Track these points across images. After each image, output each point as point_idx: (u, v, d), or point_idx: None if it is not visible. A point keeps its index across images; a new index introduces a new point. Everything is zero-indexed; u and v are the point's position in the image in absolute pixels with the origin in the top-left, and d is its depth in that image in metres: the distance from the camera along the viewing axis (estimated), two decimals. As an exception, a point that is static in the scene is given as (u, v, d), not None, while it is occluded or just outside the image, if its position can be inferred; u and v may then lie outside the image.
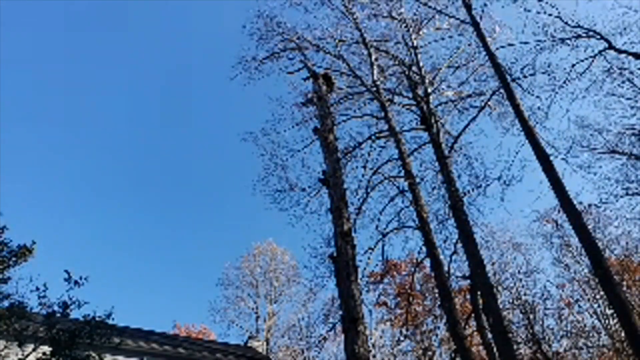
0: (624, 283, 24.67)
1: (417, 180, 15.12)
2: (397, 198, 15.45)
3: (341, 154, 15.25)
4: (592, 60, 15.65)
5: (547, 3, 15.58)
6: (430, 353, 27.42)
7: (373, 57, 17.05)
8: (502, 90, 14.23)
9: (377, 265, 18.04)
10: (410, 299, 23.76)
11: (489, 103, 16.47)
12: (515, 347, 16.51)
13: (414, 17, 18.01)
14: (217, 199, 58.90)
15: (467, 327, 16.74)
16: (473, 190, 14.90)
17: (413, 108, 17.27)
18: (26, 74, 48.55)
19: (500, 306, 14.19)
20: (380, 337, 30.10)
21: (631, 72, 17.39)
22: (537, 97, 14.82)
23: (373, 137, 16.87)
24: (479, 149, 30.64)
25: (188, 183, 59.46)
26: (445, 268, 13.29)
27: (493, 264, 27.76)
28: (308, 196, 15.64)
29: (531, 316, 26.08)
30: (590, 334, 26.81)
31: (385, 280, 28.17)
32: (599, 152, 19.59)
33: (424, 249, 13.79)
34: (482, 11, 14.94)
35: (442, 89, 17.74)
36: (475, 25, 14.53)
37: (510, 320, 25.85)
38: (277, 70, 17.31)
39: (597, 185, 23.15)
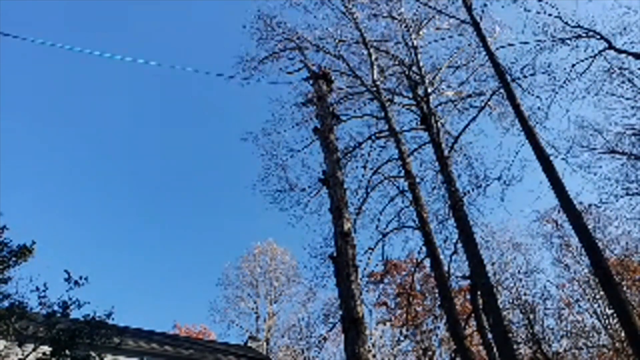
0: (624, 283, 24.64)
1: (417, 180, 15.11)
2: (397, 198, 15.48)
3: (341, 154, 15.24)
4: (592, 61, 15.64)
5: (547, 3, 15.58)
6: (430, 353, 27.39)
7: (373, 57, 17.04)
8: (502, 90, 14.18)
9: (377, 265, 18.06)
10: (410, 299, 23.75)
11: (489, 103, 16.44)
12: (515, 347, 16.46)
13: (414, 17, 18.03)
14: (217, 199, 58.98)
15: (467, 327, 16.74)
16: (473, 190, 14.86)
17: (413, 108, 17.26)
18: (26, 74, 48.57)
19: (500, 306, 14.15)
20: (380, 337, 30.12)
21: (631, 72, 17.39)
22: (537, 97, 14.76)
23: (373, 137, 16.89)
24: (479, 149, 30.42)
25: (188, 183, 59.56)
26: (445, 268, 13.26)
27: (493, 264, 27.78)
28: (308, 196, 15.67)
29: (531, 316, 26.06)
30: (590, 334, 26.81)
31: (385, 280, 28.21)
32: (599, 152, 19.54)
33: (424, 249, 13.79)
34: (482, 11, 14.92)
35: (442, 89, 17.74)
36: (475, 25, 14.50)
37: (510, 320, 25.82)
38: (277, 70, 17.37)
39: (597, 185, 23.08)
